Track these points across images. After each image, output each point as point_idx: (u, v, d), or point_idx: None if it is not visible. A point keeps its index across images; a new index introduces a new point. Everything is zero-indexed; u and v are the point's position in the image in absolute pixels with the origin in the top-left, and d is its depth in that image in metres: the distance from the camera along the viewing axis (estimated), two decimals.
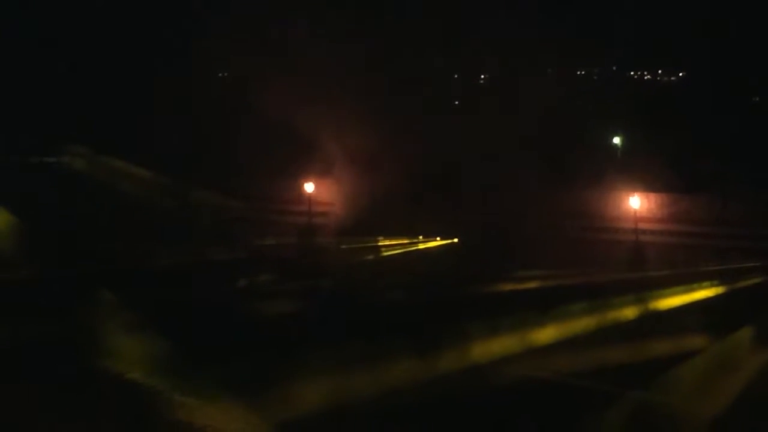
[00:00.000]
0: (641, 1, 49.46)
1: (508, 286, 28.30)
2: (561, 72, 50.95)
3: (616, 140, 47.99)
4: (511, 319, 20.41)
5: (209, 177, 44.64)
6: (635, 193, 37.58)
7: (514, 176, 38.17)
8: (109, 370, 16.31)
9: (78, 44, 49.97)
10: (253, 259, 33.01)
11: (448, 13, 44.55)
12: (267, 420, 14.13)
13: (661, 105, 48.23)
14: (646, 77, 58.76)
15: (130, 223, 38.31)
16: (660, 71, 58.35)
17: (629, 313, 23.38)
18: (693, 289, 26.64)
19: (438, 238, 38.40)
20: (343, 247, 36.34)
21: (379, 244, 37.27)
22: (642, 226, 37.14)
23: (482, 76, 57.07)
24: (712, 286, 27.60)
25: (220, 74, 54.75)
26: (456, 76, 56.89)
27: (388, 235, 37.81)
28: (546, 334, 20.38)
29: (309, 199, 44.04)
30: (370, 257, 35.62)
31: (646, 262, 34.87)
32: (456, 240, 38.13)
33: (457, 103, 54.25)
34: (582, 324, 21.52)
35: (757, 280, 29.43)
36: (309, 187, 43.92)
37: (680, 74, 58.10)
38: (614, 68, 58.11)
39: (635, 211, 37.21)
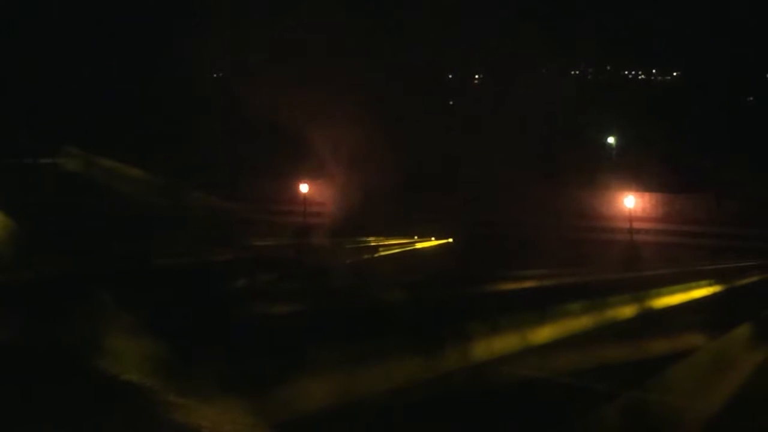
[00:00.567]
0: (637, 1, 49.67)
1: (503, 286, 28.30)
2: (556, 72, 51.06)
3: (611, 140, 48.16)
4: (506, 319, 20.45)
5: (205, 178, 44.56)
6: (630, 193, 37.64)
7: (509, 176, 38.28)
8: (108, 371, 16.30)
9: (78, 44, 49.93)
10: (250, 260, 32.98)
11: (444, 12, 44.63)
12: (266, 420, 14.12)
13: (656, 105, 48.38)
14: (640, 77, 58.97)
15: (128, 224, 38.26)
16: (654, 71, 58.57)
17: (625, 312, 23.41)
18: (689, 289, 26.69)
19: (433, 238, 38.42)
20: (339, 247, 36.33)
21: (375, 244, 37.31)
22: (637, 225, 37.19)
23: (477, 76, 57.26)
24: (707, 285, 27.65)
25: (215, 75, 54.78)
26: (450, 76, 57.08)
27: (384, 235, 37.85)
28: (542, 333, 20.39)
29: (304, 200, 44.18)
30: (366, 257, 35.64)
31: (641, 262, 34.90)
32: (450, 240, 38.15)
33: (451, 103, 54.42)
34: (578, 323, 21.54)
35: (752, 279, 29.53)
36: (304, 187, 44.14)
37: (674, 74, 58.32)
38: (608, 68, 58.36)
39: (630, 211, 37.27)
